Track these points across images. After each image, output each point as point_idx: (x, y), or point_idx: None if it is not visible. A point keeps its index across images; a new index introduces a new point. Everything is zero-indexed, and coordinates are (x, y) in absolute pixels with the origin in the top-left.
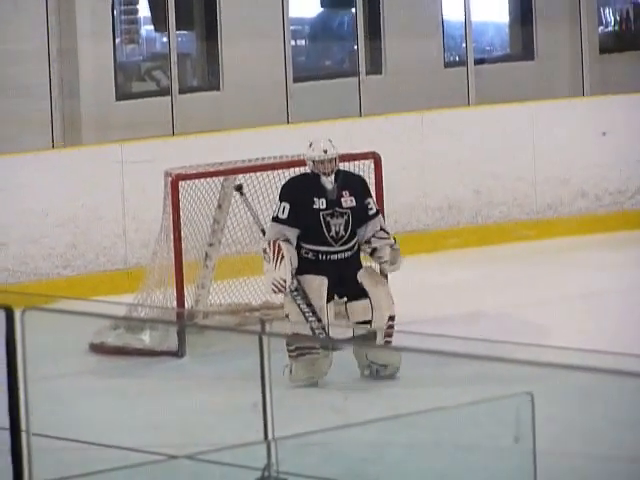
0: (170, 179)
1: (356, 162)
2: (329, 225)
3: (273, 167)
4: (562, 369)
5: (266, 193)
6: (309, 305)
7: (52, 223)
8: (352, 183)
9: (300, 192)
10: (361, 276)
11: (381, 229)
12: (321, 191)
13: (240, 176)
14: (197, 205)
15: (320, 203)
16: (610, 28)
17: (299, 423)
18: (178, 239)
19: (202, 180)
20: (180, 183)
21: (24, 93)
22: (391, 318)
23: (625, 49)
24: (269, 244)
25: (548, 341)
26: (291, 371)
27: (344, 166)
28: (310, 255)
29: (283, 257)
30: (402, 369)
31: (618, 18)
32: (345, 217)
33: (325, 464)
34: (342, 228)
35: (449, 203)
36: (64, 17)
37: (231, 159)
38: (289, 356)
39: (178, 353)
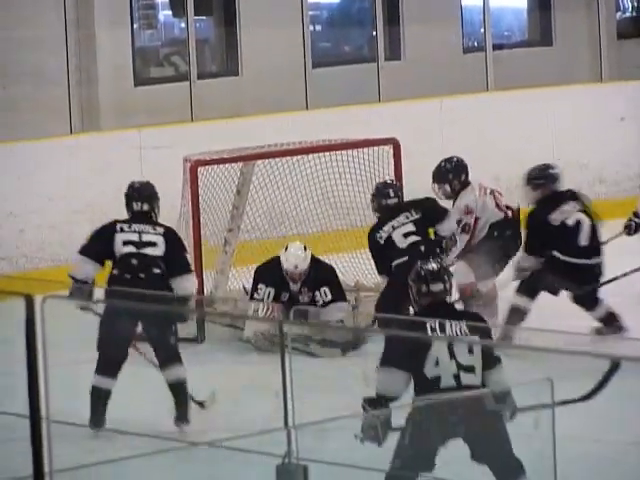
0: (189, 165)
1: (375, 148)
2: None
3: (292, 153)
4: (579, 355)
5: (285, 179)
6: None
7: (70, 209)
8: (318, 283)
9: (273, 281)
10: None
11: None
12: (287, 288)
13: (259, 162)
14: (216, 191)
15: (284, 297)
16: (628, 14)
17: (319, 409)
18: (197, 225)
19: (221, 166)
20: (199, 169)
21: (42, 79)
22: None
23: None
24: (267, 305)
25: (566, 326)
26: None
27: (363, 153)
28: None
29: (273, 317)
30: None
31: (635, 4)
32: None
33: (345, 451)
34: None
35: None
36: (82, 2)
37: (250, 145)
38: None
39: (197, 339)
